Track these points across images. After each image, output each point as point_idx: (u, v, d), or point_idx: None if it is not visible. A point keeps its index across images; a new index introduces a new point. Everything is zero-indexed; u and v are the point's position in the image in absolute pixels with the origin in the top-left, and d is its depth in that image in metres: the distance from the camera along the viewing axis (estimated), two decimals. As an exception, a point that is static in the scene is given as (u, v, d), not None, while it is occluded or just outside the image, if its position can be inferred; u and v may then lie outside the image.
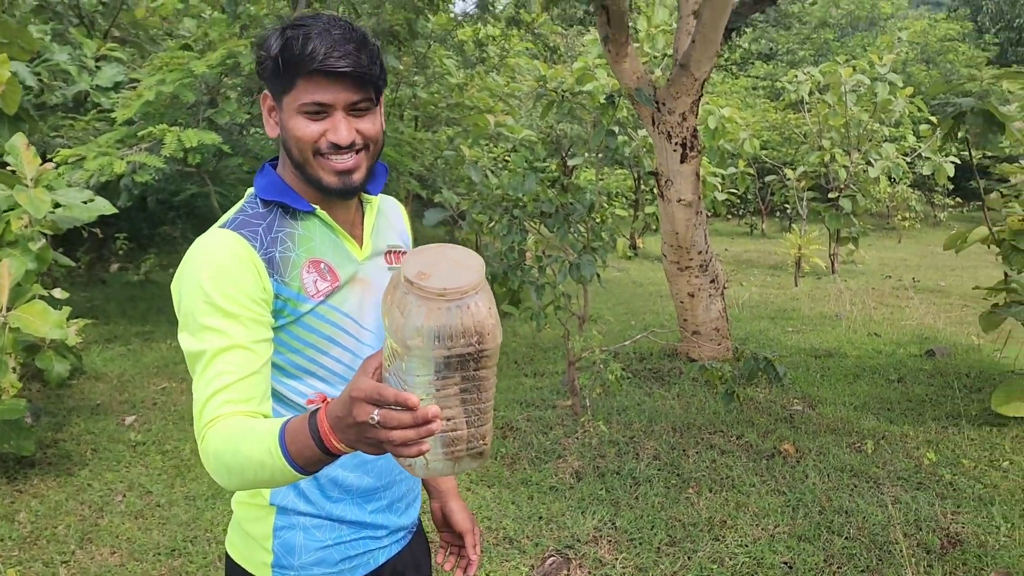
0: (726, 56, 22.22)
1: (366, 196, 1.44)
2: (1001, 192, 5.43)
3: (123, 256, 10.89)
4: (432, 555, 1.64)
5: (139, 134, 6.16)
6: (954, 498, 3.77)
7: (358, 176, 1.31)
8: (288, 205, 1.33)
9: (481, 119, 9.40)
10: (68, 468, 4.18)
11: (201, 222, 12.38)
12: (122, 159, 5.96)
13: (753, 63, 23.50)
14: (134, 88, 7.08)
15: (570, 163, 10.90)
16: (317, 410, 1.08)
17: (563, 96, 5.58)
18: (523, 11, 7.18)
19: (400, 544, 1.50)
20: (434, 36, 8.01)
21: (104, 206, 3.96)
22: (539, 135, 13.92)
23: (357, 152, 1.30)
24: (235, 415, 1.19)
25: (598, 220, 5.09)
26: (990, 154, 14.26)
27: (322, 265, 1.33)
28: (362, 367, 1.08)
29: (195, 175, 8.54)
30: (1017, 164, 5.27)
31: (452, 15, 8.71)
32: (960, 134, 4.78)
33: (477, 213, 4.07)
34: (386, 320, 1.01)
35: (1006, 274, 4.88)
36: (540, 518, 3.64)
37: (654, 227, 14.69)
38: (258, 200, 1.35)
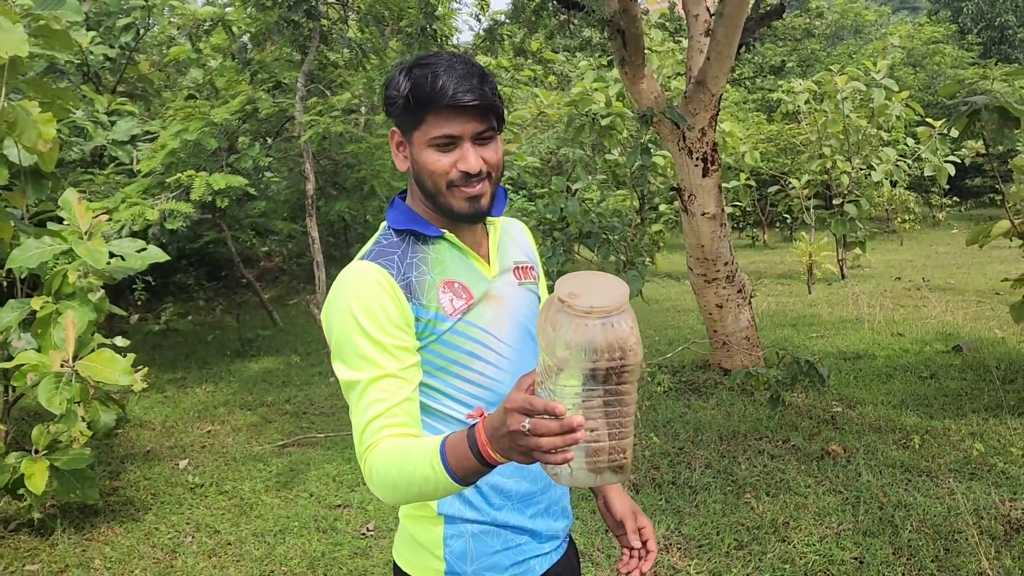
0: (739, 71, 22.55)
1: (489, 219, 1.54)
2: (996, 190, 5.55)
3: (140, 306, 10.97)
4: (580, 565, 1.71)
5: (168, 181, 6.28)
6: (1009, 486, 3.84)
7: (485, 201, 1.41)
8: (419, 232, 1.43)
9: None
10: (132, 514, 4.23)
11: (215, 269, 12.49)
12: (153, 207, 6.07)
13: (766, 76, 23.79)
14: (149, 141, 7.23)
15: (573, 187, 11.07)
16: (475, 424, 1.18)
17: (594, 119, 5.69)
18: (530, 41, 7.34)
19: (559, 552, 1.57)
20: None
21: (157, 254, 4.06)
22: (542, 161, 14.10)
23: (484, 179, 1.40)
24: (393, 438, 1.30)
25: (637, 237, 5.19)
26: (983, 152, 14.43)
27: (456, 285, 1.42)
28: (517, 383, 1.18)
29: (210, 222, 8.67)
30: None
31: (459, 48, 8.89)
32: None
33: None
34: (540, 337, 1.10)
35: (1031, 265, 4.99)
36: (606, 531, 3.69)
37: (661, 245, 14.83)
38: (391, 231, 1.46)
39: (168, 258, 4.08)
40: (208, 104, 7.27)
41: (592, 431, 1.09)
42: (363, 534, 3.87)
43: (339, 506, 4.21)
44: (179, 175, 6.19)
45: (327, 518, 4.06)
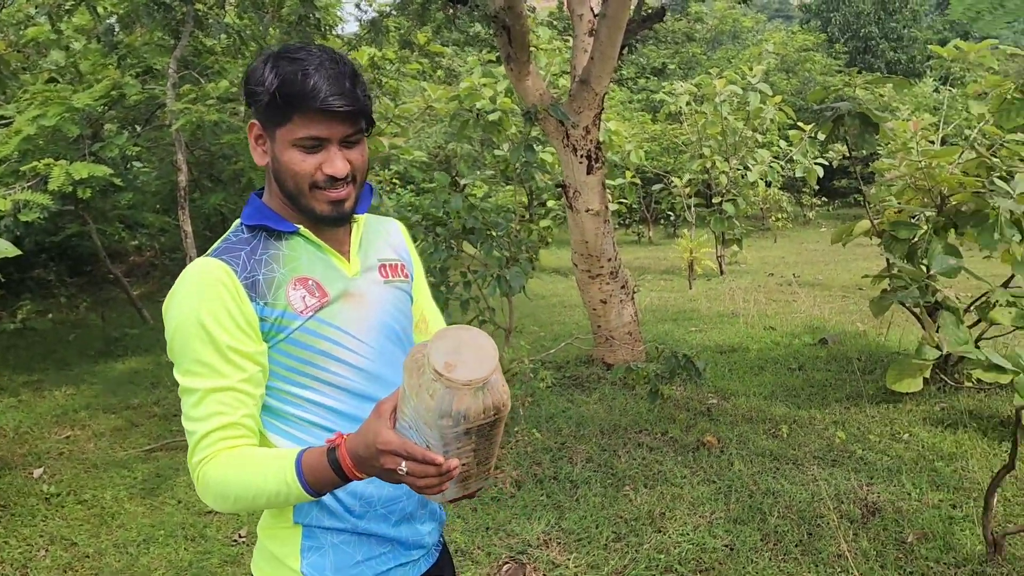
0: (621, 72, 23.00)
1: (353, 216, 1.48)
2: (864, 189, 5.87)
3: (-6, 303, 10.21)
4: (455, 571, 1.67)
5: (23, 169, 5.83)
6: (867, 471, 4.05)
7: (349, 204, 1.38)
8: (271, 228, 1.37)
9: (374, 142, 9.39)
10: (-23, 528, 3.91)
11: (77, 263, 11.74)
12: (5, 197, 5.62)
13: (647, 77, 24.39)
14: (4, 126, 6.71)
15: (461, 182, 11.05)
16: (335, 448, 1.20)
17: (479, 115, 5.66)
18: (416, 33, 7.24)
19: (428, 560, 1.52)
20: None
21: (6, 248, 3.74)
22: (429, 155, 13.99)
23: (349, 183, 1.36)
24: (229, 450, 1.27)
25: (521, 234, 5.18)
26: (848, 155, 15.32)
27: (310, 282, 1.36)
28: (376, 410, 1.18)
29: (73, 214, 8.14)
30: (891, 161, 5.72)
31: (341, 39, 8.68)
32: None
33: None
34: (412, 397, 1.13)
35: (888, 261, 5.28)
36: (487, 528, 3.68)
37: (548, 241, 14.99)
38: (243, 227, 1.39)
39: (20, 252, 3.76)
40: (70, 88, 6.81)
41: (464, 465, 1.17)
42: (234, 541, 3.70)
43: (209, 513, 4.01)
44: (35, 163, 5.76)
45: (196, 525, 3.87)
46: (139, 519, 3.99)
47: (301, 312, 1.34)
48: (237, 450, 1.27)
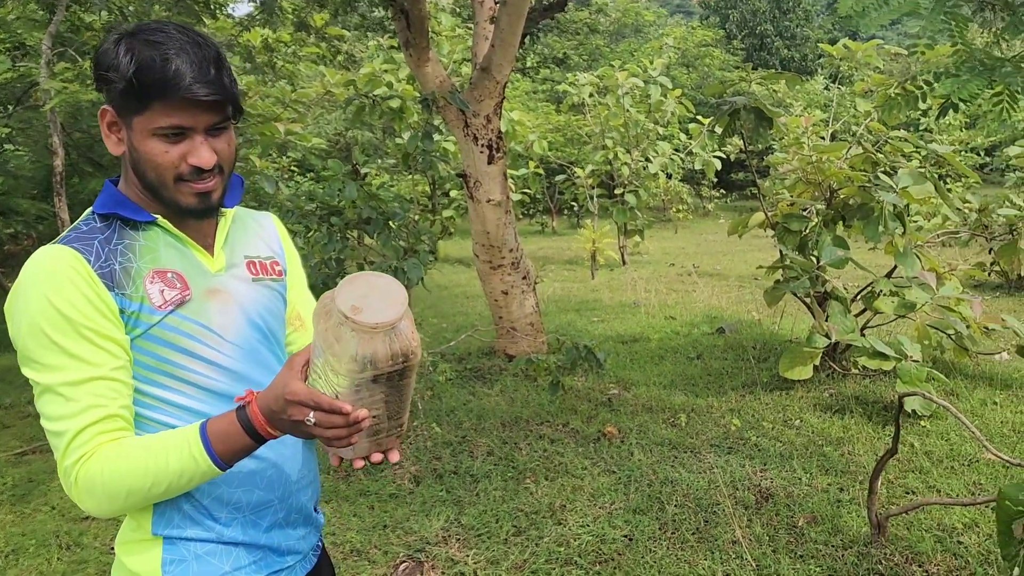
0: (522, 61, 22.98)
1: (221, 210, 1.38)
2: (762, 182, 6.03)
3: None
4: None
5: None
6: (761, 457, 4.15)
7: (216, 196, 1.28)
8: (126, 217, 1.26)
9: (269, 128, 9.07)
10: None
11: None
12: None
13: (550, 67, 24.48)
14: None
15: (361, 170, 10.82)
16: (245, 406, 1.17)
17: (374, 101, 5.50)
18: (312, 15, 6.99)
19: (305, 567, 1.43)
20: (218, 42, 7.64)
21: None
22: (328, 142, 13.66)
23: (216, 175, 1.26)
24: (111, 443, 1.17)
25: (418, 224, 5.08)
26: (744, 149, 15.83)
27: (169, 275, 1.27)
28: (288, 363, 1.16)
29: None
30: (783, 156, 5.89)
31: (233, 19, 8.32)
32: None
33: (293, 223, 3.92)
34: (321, 342, 1.12)
35: (781, 252, 5.43)
36: (385, 526, 3.58)
37: (452, 231, 14.89)
38: (95, 216, 1.28)
39: None
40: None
41: (374, 417, 1.16)
42: (112, 549, 3.47)
43: (85, 519, 3.77)
44: None
45: (71, 533, 3.62)
46: (8, 528, 3.71)
47: (160, 307, 1.23)
48: (120, 442, 1.17)
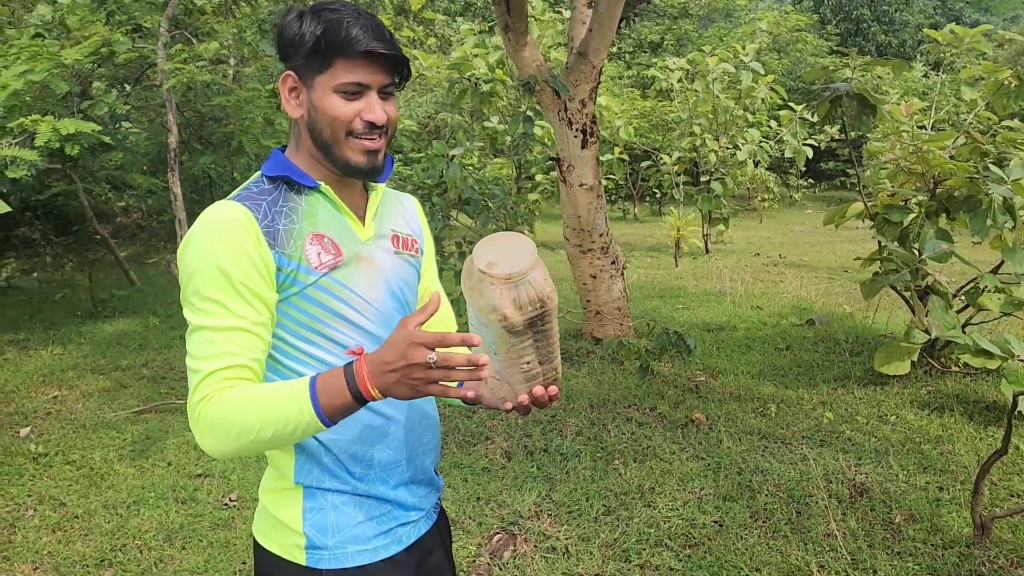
0: (618, 46, 22.81)
1: (371, 184, 1.48)
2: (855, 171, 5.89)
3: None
4: (451, 535, 1.68)
5: (9, 126, 5.72)
6: (855, 452, 4.10)
7: (381, 157, 1.38)
8: (293, 181, 1.37)
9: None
10: (-36, 487, 3.88)
11: (64, 223, 11.59)
12: (-9, 154, 5.51)
13: (644, 52, 24.23)
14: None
15: (451, 152, 10.97)
16: (353, 361, 1.20)
17: (475, 83, 5.60)
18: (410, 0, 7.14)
19: (427, 522, 1.53)
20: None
21: (-3, 204, 3.68)
22: (419, 125, 13.86)
23: (384, 134, 1.37)
24: (232, 389, 1.24)
25: (518, 205, 5.16)
26: (838, 138, 15.34)
27: (326, 239, 1.36)
28: (402, 323, 1.19)
29: (59, 172, 8.01)
30: (882, 145, 5.74)
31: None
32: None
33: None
34: (467, 298, 1.24)
35: (880, 244, 5.31)
36: (478, 499, 3.69)
37: (537, 215, 14.94)
38: (264, 178, 1.39)
39: (9, 209, 3.70)
40: (58, 44, 6.66)
41: (527, 363, 1.24)
42: (225, 504, 3.70)
43: (199, 475, 4.01)
44: (23, 119, 5.65)
45: (186, 488, 3.86)
46: (129, 481, 3.97)
47: (316, 268, 1.33)
48: (240, 386, 1.24)
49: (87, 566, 3.19)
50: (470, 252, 4.10)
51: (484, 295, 1.19)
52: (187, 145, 7.91)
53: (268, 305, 1.30)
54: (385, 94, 1.35)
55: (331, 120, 1.32)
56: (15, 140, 5.86)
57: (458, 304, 5.25)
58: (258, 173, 1.41)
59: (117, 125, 8.21)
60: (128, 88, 7.49)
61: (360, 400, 1.19)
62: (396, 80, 1.37)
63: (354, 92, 1.31)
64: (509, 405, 1.29)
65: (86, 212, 8.19)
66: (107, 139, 6.17)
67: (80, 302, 8.30)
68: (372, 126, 1.33)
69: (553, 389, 1.29)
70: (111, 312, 7.83)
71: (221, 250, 1.26)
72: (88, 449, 4.36)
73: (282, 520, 1.39)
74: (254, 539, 1.45)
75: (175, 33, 6.78)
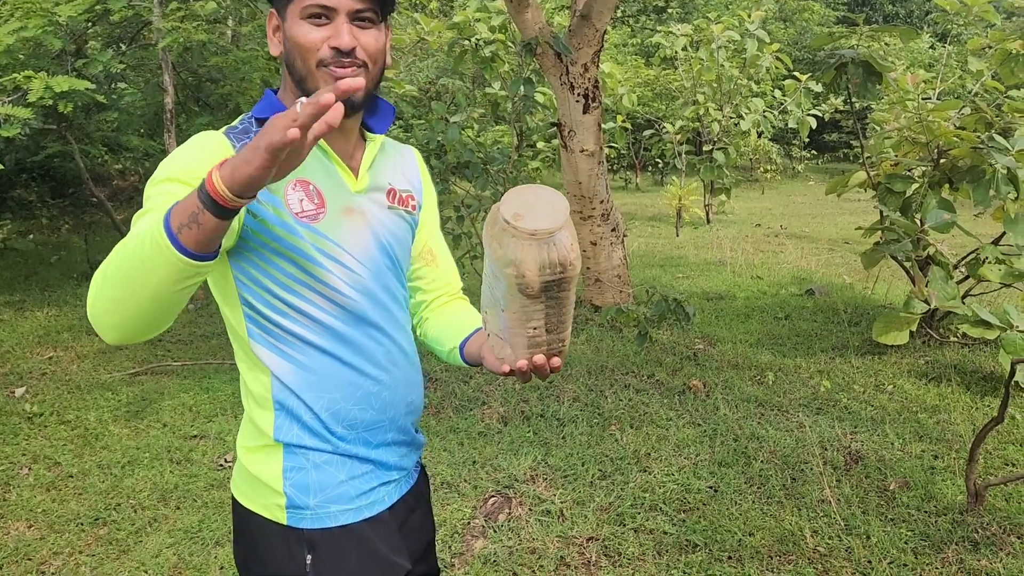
0: (621, 9, 22.47)
1: (369, 134, 1.42)
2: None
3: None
4: (431, 493, 1.66)
5: (2, 82, 5.64)
6: (851, 420, 4.10)
7: (361, 93, 1.26)
8: None
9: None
10: (-41, 445, 3.88)
11: (60, 185, 11.51)
12: (-16, 112, 5.44)
13: (649, 15, 23.88)
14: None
15: (452, 118, 10.87)
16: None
17: (477, 45, 5.51)
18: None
19: (408, 482, 1.51)
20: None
21: (-12, 160, 3.63)
22: (420, 90, 13.71)
23: (359, 67, 1.27)
24: None
25: (518, 171, 5.10)
26: (842, 108, 15.19)
27: (311, 187, 1.30)
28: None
29: (55, 133, 7.93)
30: (885, 115, 5.67)
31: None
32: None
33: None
34: (487, 250, 1.16)
35: (882, 214, 5.27)
36: (474, 462, 3.69)
37: (538, 182, 14.84)
38: (252, 119, 1.33)
39: (2, 167, 3.65)
40: (52, 0, 6.55)
41: (534, 328, 1.17)
42: (220, 465, 3.70)
43: (195, 437, 4.01)
44: (15, 75, 5.57)
45: (181, 449, 3.86)
46: (123, 441, 3.97)
47: (296, 215, 1.28)
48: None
49: (81, 524, 3.20)
50: (469, 216, 4.05)
51: (504, 246, 1.12)
52: (184, 106, 7.83)
53: None
54: (361, 21, 1.26)
55: (300, 49, 1.25)
56: (8, 99, 5.79)
57: (463, 265, 5.22)
58: (247, 113, 1.36)
59: (112, 85, 8.11)
60: (123, 47, 7.39)
61: (209, 201, 0.97)
62: (375, 8, 1.27)
63: (320, 15, 1.24)
64: (507, 368, 1.24)
65: (82, 174, 8.11)
66: (101, 98, 6.10)
67: (76, 264, 8.27)
68: (340, 53, 1.25)
69: (556, 361, 1.22)
70: (108, 274, 7.79)
71: (183, 164, 1.19)
72: (83, 410, 4.35)
73: (261, 479, 1.35)
74: (233, 498, 1.42)
75: (171, -9, 6.66)
